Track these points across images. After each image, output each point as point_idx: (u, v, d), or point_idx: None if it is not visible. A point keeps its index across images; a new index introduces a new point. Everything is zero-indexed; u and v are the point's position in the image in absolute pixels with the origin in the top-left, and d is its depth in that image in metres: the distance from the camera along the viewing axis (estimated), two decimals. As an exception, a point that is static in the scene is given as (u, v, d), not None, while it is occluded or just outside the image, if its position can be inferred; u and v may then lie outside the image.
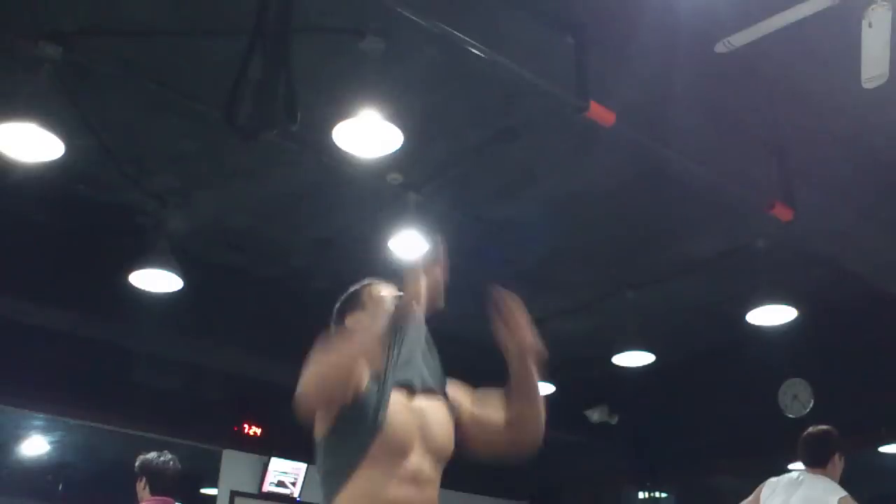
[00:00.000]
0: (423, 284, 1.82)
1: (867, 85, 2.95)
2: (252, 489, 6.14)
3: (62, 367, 5.33)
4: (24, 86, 3.37)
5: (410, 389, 1.82)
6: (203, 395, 6.06)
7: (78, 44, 3.41)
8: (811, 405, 5.91)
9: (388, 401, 1.77)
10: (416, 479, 1.77)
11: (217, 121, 2.38)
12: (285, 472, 6.24)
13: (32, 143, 3.48)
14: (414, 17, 2.68)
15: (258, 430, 6.18)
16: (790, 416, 6.01)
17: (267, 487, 6.16)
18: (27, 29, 3.35)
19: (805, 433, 3.72)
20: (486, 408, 1.91)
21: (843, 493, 3.45)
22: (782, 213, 3.95)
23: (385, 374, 1.79)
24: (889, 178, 4.14)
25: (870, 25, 2.81)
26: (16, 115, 3.36)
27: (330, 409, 1.81)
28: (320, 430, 1.85)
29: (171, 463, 3.67)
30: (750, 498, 3.73)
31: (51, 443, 7.27)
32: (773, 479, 3.71)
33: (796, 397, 6.01)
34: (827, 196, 4.20)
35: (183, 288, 4.67)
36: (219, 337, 5.47)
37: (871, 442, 5.93)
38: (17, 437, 7.16)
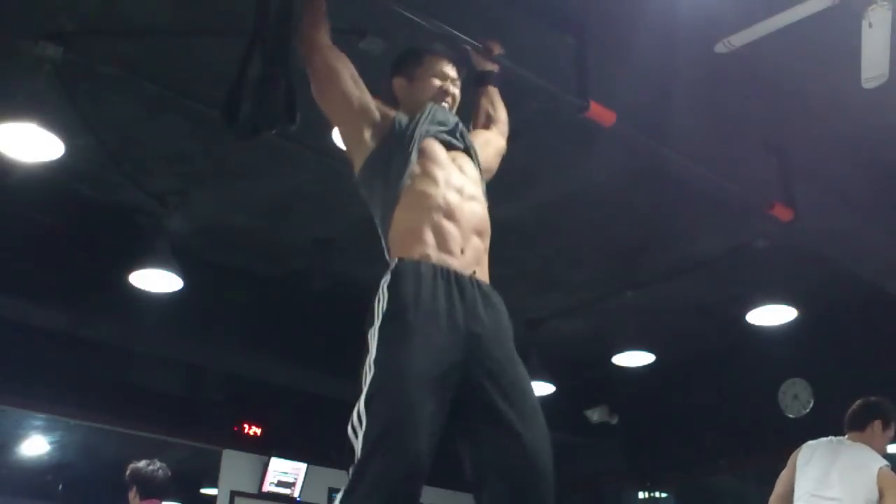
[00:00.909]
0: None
1: (867, 85, 2.95)
2: (252, 489, 6.14)
3: (62, 367, 5.33)
4: (24, 86, 3.38)
5: (443, 142, 2.15)
6: (203, 395, 6.07)
7: (78, 44, 3.41)
8: (811, 405, 5.91)
9: (424, 131, 2.11)
10: (460, 191, 2.06)
11: (217, 121, 2.38)
12: (285, 472, 6.24)
13: (32, 143, 3.49)
14: (414, 17, 2.68)
15: (258, 430, 6.18)
16: (790, 415, 6.02)
17: (267, 487, 6.16)
18: (27, 29, 3.35)
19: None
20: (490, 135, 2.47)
21: (883, 462, 3.31)
22: (782, 213, 3.95)
23: (418, 116, 2.15)
24: (889, 178, 4.14)
25: (870, 25, 2.81)
26: (16, 114, 3.37)
27: (331, 89, 2.16)
28: (360, 159, 2.13)
29: (160, 471, 3.70)
30: (788, 465, 3.58)
31: (51, 443, 7.27)
32: (811, 443, 3.56)
33: (796, 397, 6.01)
34: (827, 196, 4.20)
35: (183, 288, 4.68)
36: (219, 337, 5.47)
37: (871, 442, 5.93)
38: (17, 437, 7.16)
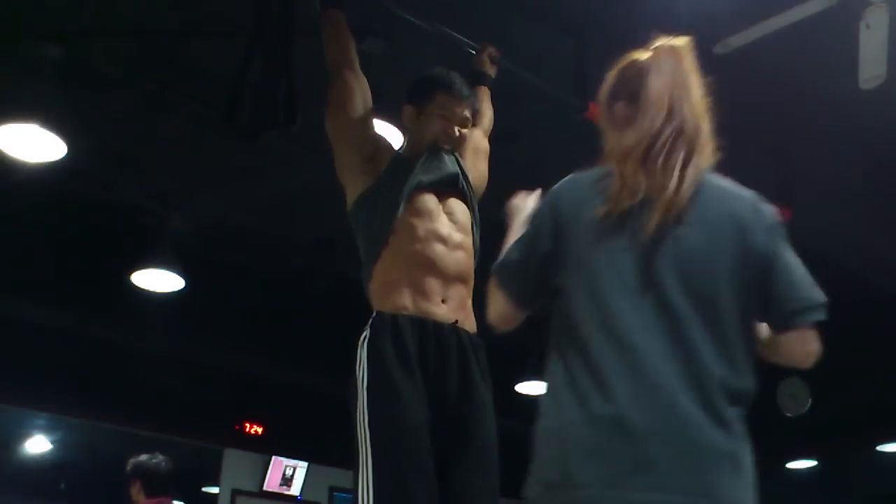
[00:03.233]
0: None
1: (865, 85, 2.96)
2: (253, 488, 6.16)
3: (64, 366, 5.35)
4: (26, 86, 3.39)
5: (437, 189, 2.12)
6: (204, 394, 6.08)
7: (80, 45, 3.43)
8: (809, 404, 5.92)
9: (415, 183, 2.08)
10: (446, 241, 2.05)
11: (218, 121, 2.40)
12: (286, 471, 6.26)
13: (35, 144, 3.50)
14: (414, 19, 2.70)
15: (259, 429, 6.20)
16: (788, 414, 6.03)
17: (268, 486, 6.18)
18: (30, 30, 3.37)
19: None
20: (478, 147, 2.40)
21: None
22: (781, 212, 3.96)
23: (415, 161, 2.12)
24: (887, 178, 4.15)
25: (868, 26, 2.82)
26: (19, 115, 3.38)
27: (346, 119, 2.17)
28: (352, 195, 2.16)
29: (164, 464, 3.66)
30: None
31: (53, 442, 7.29)
32: None
33: (794, 396, 6.02)
34: (826, 196, 4.21)
35: (185, 287, 4.69)
36: (220, 336, 5.49)
37: (870, 441, 5.95)
38: (19, 436, 7.17)
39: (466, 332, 2.02)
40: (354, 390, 1.92)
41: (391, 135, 3.29)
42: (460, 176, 2.20)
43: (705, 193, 1.44)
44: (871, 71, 2.92)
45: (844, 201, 4.26)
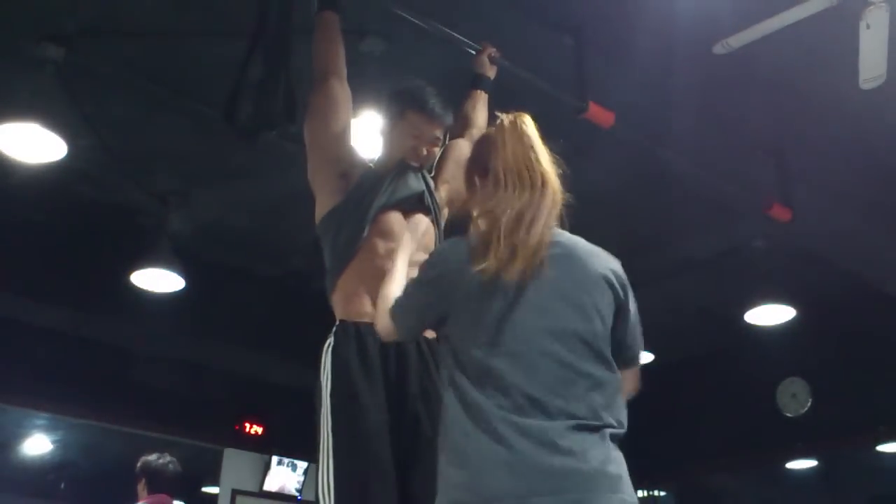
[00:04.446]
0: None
1: (865, 86, 2.96)
2: (253, 488, 6.15)
3: (64, 366, 5.34)
4: (26, 86, 3.40)
5: (402, 207, 2.15)
6: (204, 394, 6.08)
7: (80, 44, 3.43)
8: (809, 404, 5.92)
9: (380, 205, 2.11)
10: (407, 258, 2.02)
11: (218, 121, 2.40)
12: (286, 471, 6.26)
13: (35, 144, 3.51)
14: (413, 19, 2.70)
15: (259, 429, 6.20)
16: (788, 415, 6.03)
17: (268, 486, 6.18)
18: (29, 30, 3.37)
19: None
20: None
21: None
22: (781, 213, 3.96)
23: (382, 181, 2.14)
24: (887, 178, 4.15)
25: (867, 26, 2.82)
26: (18, 115, 3.39)
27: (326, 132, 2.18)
28: (322, 209, 2.15)
29: (171, 465, 3.76)
30: None
31: (52, 442, 7.29)
32: None
33: (794, 396, 6.02)
34: (825, 196, 4.21)
35: (184, 287, 4.69)
36: (220, 336, 5.49)
37: (870, 441, 5.94)
38: (19, 437, 7.18)
39: (425, 337, 2.05)
40: (319, 396, 1.97)
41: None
42: (426, 193, 2.22)
43: (560, 252, 1.61)
44: (871, 71, 2.92)
45: (844, 201, 4.26)
